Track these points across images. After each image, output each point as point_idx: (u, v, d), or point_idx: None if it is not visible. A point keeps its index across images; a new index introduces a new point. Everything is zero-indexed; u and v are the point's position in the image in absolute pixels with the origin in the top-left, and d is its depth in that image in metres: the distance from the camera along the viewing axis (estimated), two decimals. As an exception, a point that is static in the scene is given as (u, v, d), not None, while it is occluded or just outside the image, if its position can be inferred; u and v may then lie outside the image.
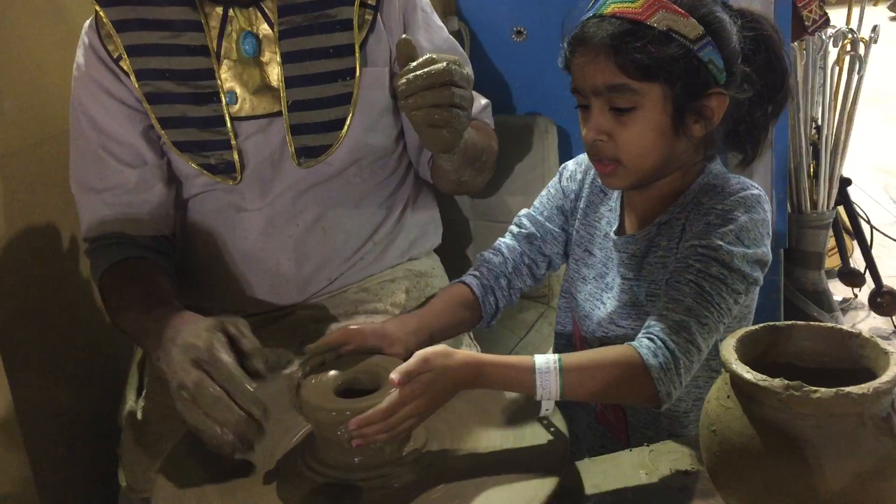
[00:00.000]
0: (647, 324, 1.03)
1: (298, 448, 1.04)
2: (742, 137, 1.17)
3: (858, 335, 0.88)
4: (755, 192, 1.10)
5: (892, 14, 8.23)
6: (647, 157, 1.10)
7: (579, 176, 1.31)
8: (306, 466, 1.00)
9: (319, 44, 1.37)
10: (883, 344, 0.86)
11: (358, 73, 1.38)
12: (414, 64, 1.10)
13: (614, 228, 1.22)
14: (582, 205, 1.28)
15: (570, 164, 1.33)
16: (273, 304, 1.45)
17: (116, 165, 1.40)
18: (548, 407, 0.98)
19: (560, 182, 1.32)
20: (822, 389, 0.79)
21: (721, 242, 1.04)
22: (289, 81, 1.37)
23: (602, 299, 1.23)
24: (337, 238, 1.44)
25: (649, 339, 1.00)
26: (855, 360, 0.88)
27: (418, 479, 0.97)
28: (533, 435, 1.03)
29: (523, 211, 1.34)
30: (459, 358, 0.95)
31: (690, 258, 1.05)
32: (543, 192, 1.34)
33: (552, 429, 1.03)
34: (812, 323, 0.92)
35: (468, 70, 1.14)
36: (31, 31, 1.50)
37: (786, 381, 0.80)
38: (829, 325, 0.91)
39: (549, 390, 0.96)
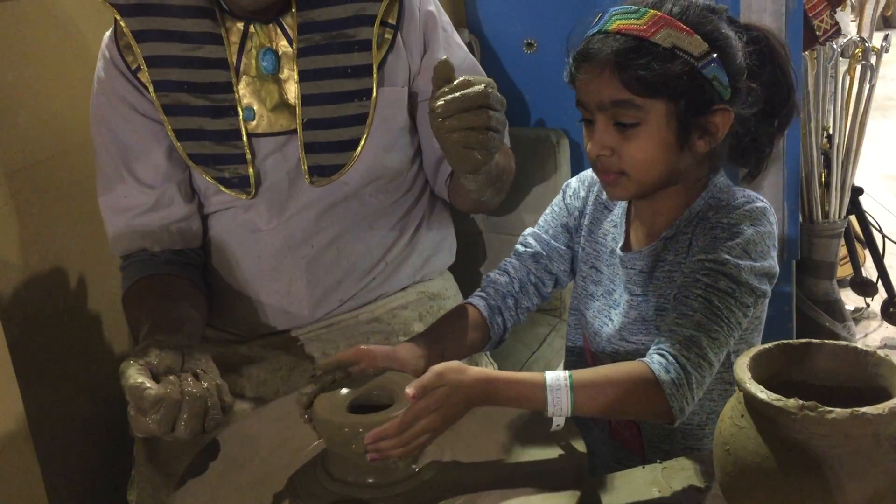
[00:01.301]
0: (657, 340, 1.03)
1: (311, 464, 1.04)
2: (747, 152, 1.17)
3: (874, 354, 0.88)
4: (760, 204, 1.11)
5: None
6: (652, 170, 1.11)
7: (582, 193, 1.31)
8: (319, 483, 1.00)
9: (337, 63, 1.37)
10: (898, 363, 0.85)
11: (375, 94, 1.38)
12: (451, 86, 1.09)
13: (620, 245, 1.22)
14: (586, 222, 1.29)
15: (573, 182, 1.34)
16: (284, 325, 1.45)
17: (135, 186, 1.41)
18: (559, 423, 0.98)
19: (563, 199, 1.33)
20: (838, 410, 0.78)
21: (728, 256, 1.04)
22: (305, 99, 1.37)
23: (610, 316, 1.23)
24: (350, 259, 1.44)
25: (660, 354, 1.00)
26: (870, 378, 0.88)
27: (433, 494, 0.97)
28: (549, 450, 1.03)
29: (528, 230, 1.34)
30: (472, 374, 0.95)
31: (698, 273, 1.05)
32: (548, 211, 1.34)
33: (568, 444, 1.03)
34: (826, 342, 0.91)
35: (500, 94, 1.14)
36: (44, 47, 1.51)
37: (800, 402, 0.79)
38: (844, 343, 0.90)
39: (560, 407, 0.95)
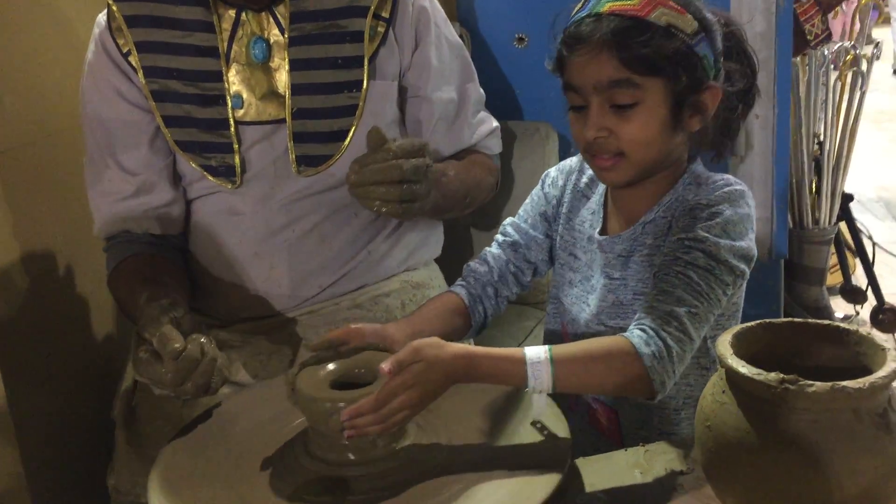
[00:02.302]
0: (637, 316, 1.03)
1: (293, 441, 1.04)
2: (724, 127, 1.18)
3: (855, 332, 0.88)
4: (739, 187, 1.12)
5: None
6: (651, 149, 1.11)
7: (560, 181, 1.31)
8: (300, 460, 0.99)
9: (328, 53, 1.37)
10: (879, 340, 0.85)
11: (365, 86, 1.38)
12: (373, 155, 1.16)
13: (598, 230, 1.22)
14: (564, 209, 1.29)
15: (552, 171, 1.34)
16: (265, 310, 1.44)
17: (118, 171, 1.41)
18: (540, 403, 0.97)
19: (542, 189, 1.33)
20: (818, 384, 0.78)
21: (707, 234, 1.05)
22: (295, 89, 1.37)
23: (587, 301, 1.23)
24: (332, 246, 1.43)
25: (641, 329, 1.00)
26: (852, 357, 0.87)
27: (413, 473, 0.96)
28: (533, 433, 1.02)
29: (508, 220, 1.35)
30: (451, 350, 0.95)
31: (678, 251, 1.06)
32: (527, 200, 1.34)
33: (553, 428, 1.02)
34: (809, 320, 0.91)
35: (428, 161, 1.21)
36: (31, 31, 1.51)
37: (781, 375, 0.79)
38: (826, 322, 0.90)
39: (540, 381, 0.95)
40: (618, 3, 1.07)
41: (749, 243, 1.08)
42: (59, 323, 1.56)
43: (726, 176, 1.15)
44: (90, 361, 1.64)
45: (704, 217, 1.08)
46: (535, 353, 0.95)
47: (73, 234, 1.57)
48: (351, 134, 1.38)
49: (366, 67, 1.37)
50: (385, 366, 0.92)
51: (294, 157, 1.37)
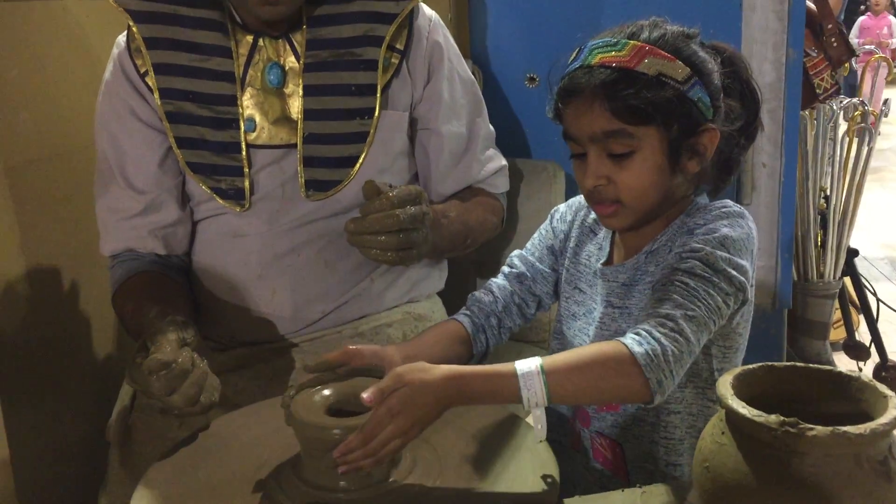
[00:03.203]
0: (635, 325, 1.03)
1: (284, 465, 1.02)
2: (725, 164, 1.18)
3: (858, 378, 0.87)
4: (737, 209, 1.13)
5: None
6: (648, 196, 1.12)
7: (569, 217, 1.32)
8: (291, 484, 0.98)
9: (342, 80, 1.39)
10: (882, 388, 0.84)
11: (377, 114, 1.40)
12: (370, 205, 1.18)
13: (602, 261, 1.23)
14: (571, 244, 1.29)
15: (562, 207, 1.35)
16: (266, 334, 1.44)
17: (127, 190, 1.42)
18: (539, 422, 0.95)
19: (551, 223, 1.34)
20: (819, 427, 0.77)
21: (704, 246, 1.05)
22: (307, 114, 1.38)
23: (588, 332, 1.22)
24: (336, 272, 1.43)
25: (635, 332, 0.98)
26: (854, 403, 0.86)
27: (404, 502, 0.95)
28: (523, 479, 1.00)
29: (515, 252, 1.35)
30: (438, 372, 0.92)
31: (675, 263, 1.06)
32: (535, 234, 1.35)
33: (545, 473, 1.00)
34: (811, 365, 0.90)
35: (425, 208, 1.23)
36: (49, 49, 1.53)
37: (782, 418, 0.78)
38: (828, 368, 0.89)
39: (534, 393, 0.92)
40: (607, 54, 1.08)
41: (747, 263, 1.08)
42: (57, 342, 1.56)
43: (725, 200, 1.16)
44: (87, 381, 1.63)
45: (702, 233, 1.08)
46: (526, 365, 0.94)
47: (80, 253, 1.57)
48: (361, 160, 1.40)
49: (378, 96, 1.39)
50: (366, 395, 0.90)
51: (303, 181, 1.39)
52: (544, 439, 0.99)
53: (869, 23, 7.87)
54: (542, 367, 0.94)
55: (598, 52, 1.09)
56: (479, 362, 1.28)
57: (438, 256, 1.54)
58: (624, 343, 0.96)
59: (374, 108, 1.40)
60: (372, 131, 1.40)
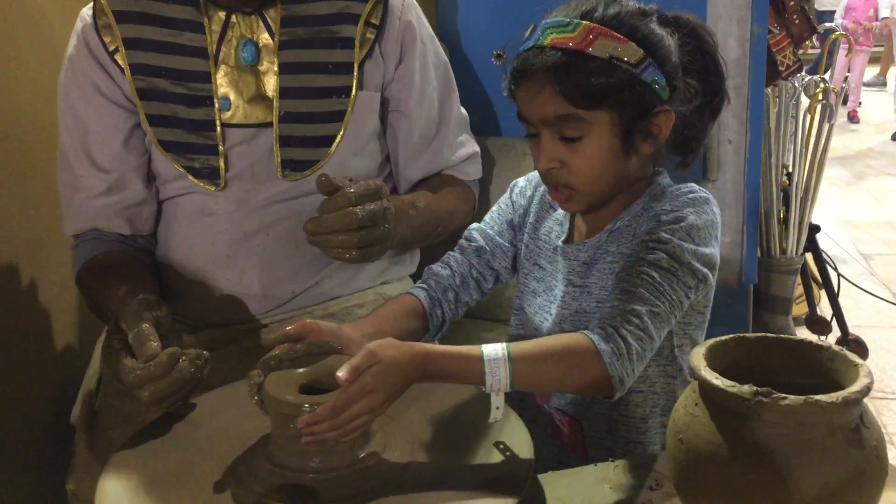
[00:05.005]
0: (599, 314, 1.03)
1: (254, 448, 1.01)
2: (682, 143, 1.18)
3: (828, 348, 0.88)
4: (703, 194, 1.12)
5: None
6: (600, 180, 1.12)
7: (528, 192, 1.31)
8: (263, 467, 0.97)
9: (318, 58, 1.37)
10: (852, 356, 0.85)
11: (353, 93, 1.38)
12: (324, 206, 1.15)
13: (562, 239, 1.22)
14: (531, 219, 1.29)
15: (521, 181, 1.34)
16: (235, 315, 1.42)
17: (90, 169, 1.39)
18: (497, 404, 0.95)
19: (510, 197, 1.33)
20: (791, 396, 0.78)
21: (671, 237, 1.05)
22: (283, 92, 1.36)
23: (550, 310, 1.22)
24: (306, 253, 1.41)
25: (601, 327, 0.99)
26: (825, 373, 0.88)
27: (374, 485, 0.94)
28: (496, 453, 0.99)
29: (474, 225, 1.34)
30: (408, 349, 0.92)
31: (641, 252, 1.06)
32: (494, 208, 1.34)
33: (517, 448, 0.99)
34: (782, 336, 0.91)
35: (385, 203, 1.20)
36: (5, 28, 1.48)
37: (754, 388, 0.79)
38: (798, 338, 0.90)
39: (498, 379, 0.93)
40: (559, 35, 1.06)
41: (713, 250, 1.09)
42: (17, 327, 1.53)
43: (691, 185, 1.15)
44: (49, 366, 1.60)
45: (669, 221, 1.08)
46: (493, 350, 0.93)
47: (39, 235, 1.54)
48: (338, 140, 1.38)
49: (355, 74, 1.38)
50: (341, 374, 0.89)
51: (279, 160, 1.37)
52: (499, 419, 0.99)
53: (855, 3, 7.92)
54: (508, 353, 0.93)
55: (552, 33, 1.07)
56: (435, 335, 1.27)
57: (407, 248, 1.52)
58: (591, 339, 0.97)
59: (350, 87, 1.38)
60: (348, 110, 1.38)
